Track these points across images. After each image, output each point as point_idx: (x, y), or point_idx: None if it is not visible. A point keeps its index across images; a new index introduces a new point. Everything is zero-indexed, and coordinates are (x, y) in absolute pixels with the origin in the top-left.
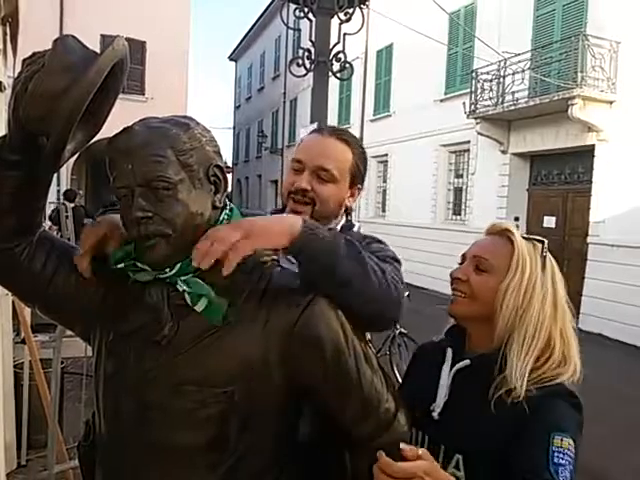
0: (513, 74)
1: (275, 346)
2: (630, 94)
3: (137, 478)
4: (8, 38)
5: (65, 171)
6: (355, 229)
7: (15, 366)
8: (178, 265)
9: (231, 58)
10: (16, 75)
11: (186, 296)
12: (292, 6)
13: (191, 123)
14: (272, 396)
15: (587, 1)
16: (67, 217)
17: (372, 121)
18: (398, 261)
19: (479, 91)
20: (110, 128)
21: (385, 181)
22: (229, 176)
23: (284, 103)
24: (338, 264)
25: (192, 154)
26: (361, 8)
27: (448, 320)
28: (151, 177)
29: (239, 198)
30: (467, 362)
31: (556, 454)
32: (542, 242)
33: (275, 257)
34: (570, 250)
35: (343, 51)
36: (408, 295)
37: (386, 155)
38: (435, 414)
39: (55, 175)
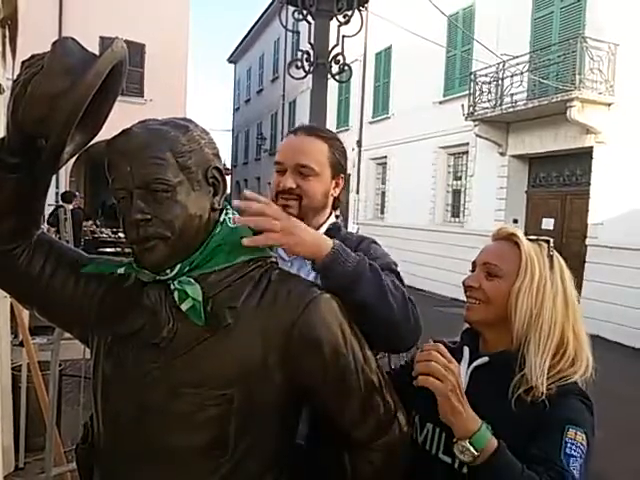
0: (512, 76)
1: (274, 347)
2: (628, 96)
3: None
4: (7, 40)
5: (64, 173)
6: (353, 231)
7: (13, 368)
8: (178, 266)
9: (230, 60)
10: (15, 77)
11: (175, 293)
12: (291, 8)
13: (190, 125)
14: (271, 397)
15: (585, 3)
16: (66, 219)
17: (371, 123)
18: (397, 265)
19: (478, 93)
20: (109, 130)
21: (384, 183)
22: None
23: (283, 105)
24: (357, 290)
25: (191, 156)
26: (360, 10)
27: (447, 322)
28: (150, 179)
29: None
30: (486, 359)
31: (569, 445)
32: (547, 242)
33: (274, 259)
34: (568, 252)
35: (342, 53)
36: None
37: (385, 157)
38: None
39: (54, 177)
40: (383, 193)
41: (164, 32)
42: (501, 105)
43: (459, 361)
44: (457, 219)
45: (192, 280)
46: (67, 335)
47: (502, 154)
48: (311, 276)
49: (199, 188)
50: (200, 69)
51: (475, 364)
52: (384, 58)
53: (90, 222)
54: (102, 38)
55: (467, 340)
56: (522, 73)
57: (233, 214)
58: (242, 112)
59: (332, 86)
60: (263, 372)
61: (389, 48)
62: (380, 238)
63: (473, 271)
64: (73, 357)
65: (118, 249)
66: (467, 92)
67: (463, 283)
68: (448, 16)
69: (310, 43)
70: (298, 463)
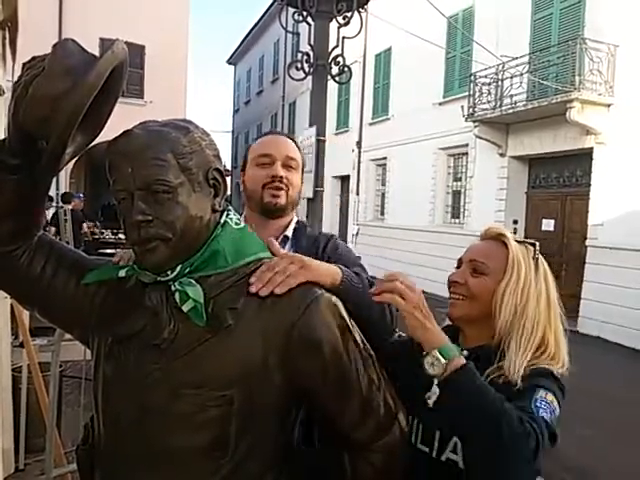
0: (511, 77)
1: (275, 348)
2: (628, 97)
3: None
4: (7, 42)
5: (64, 174)
6: (354, 232)
7: (13, 370)
8: (178, 267)
9: (230, 62)
10: (16, 79)
11: (176, 295)
12: (291, 10)
13: (190, 127)
14: (272, 398)
15: (584, 4)
16: (66, 220)
17: (371, 124)
18: (360, 258)
19: (477, 94)
20: (110, 131)
21: (384, 184)
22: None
23: (283, 106)
24: (363, 307)
25: (192, 157)
26: (360, 12)
27: (445, 321)
28: (151, 180)
29: (238, 201)
30: (465, 353)
31: (539, 401)
32: (534, 245)
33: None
34: (569, 253)
35: (342, 55)
36: None
37: (385, 158)
38: (430, 402)
39: (54, 178)
40: (383, 194)
41: (164, 34)
42: (501, 106)
43: None
44: (457, 220)
45: (193, 281)
46: (68, 336)
47: (502, 155)
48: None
49: (200, 189)
50: (200, 70)
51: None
52: (384, 59)
53: (91, 223)
54: (102, 40)
55: (447, 336)
56: (522, 74)
57: (234, 216)
58: (242, 113)
59: (332, 87)
60: (263, 373)
61: (389, 49)
62: (380, 239)
63: (458, 268)
64: (73, 358)
65: (119, 250)
66: (467, 93)
67: (449, 279)
68: (448, 17)
69: (310, 44)
70: (298, 464)
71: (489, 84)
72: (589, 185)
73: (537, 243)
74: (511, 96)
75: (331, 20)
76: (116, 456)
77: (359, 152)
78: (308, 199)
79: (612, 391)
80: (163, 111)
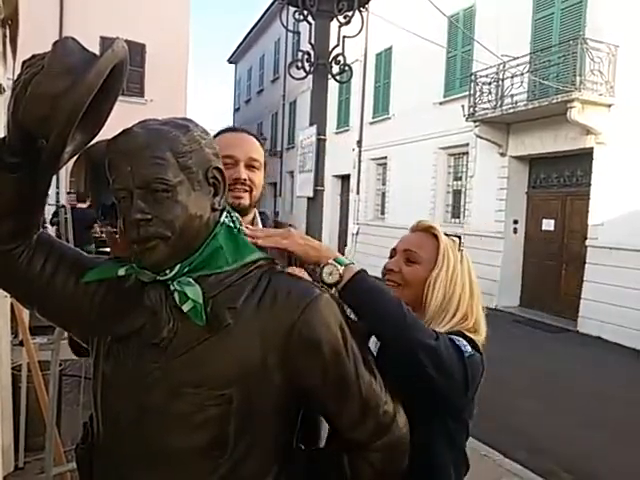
0: (512, 77)
1: (274, 348)
2: (628, 97)
3: None
4: (8, 40)
5: (64, 173)
6: (354, 231)
7: (13, 368)
8: (177, 267)
9: (230, 61)
10: (16, 77)
11: (175, 295)
12: (291, 9)
13: (190, 125)
14: (271, 398)
15: (585, 4)
16: (66, 219)
17: (371, 124)
18: None
19: (478, 94)
20: (109, 130)
21: (384, 184)
22: None
23: (283, 105)
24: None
25: (191, 156)
26: (360, 11)
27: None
28: (150, 179)
29: None
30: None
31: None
32: (459, 238)
33: (275, 260)
34: (569, 253)
35: (342, 54)
36: None
37: (385, 158)
38: None
39: (54, 177)
40: (383, 194)
41: (164, 32)
42: (501, 106)
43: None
44: (457, 220)
45: (192, 281)
46: (67, 335)
47: (502, 155)
48: None
49: (199, 188)
50: (200, 69)
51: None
52: (384, 59)
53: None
54: (103, 38)
55: None
56: (522, 74)
57: (233, 215)
58: (242, 112)
59: (332, 86)
60: (262, 372)
61: (389, 49)
62: (380, 239)
63: (392, 257)
64: (73, 357)
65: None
66: (467, 93)
67: (384, 267)
68: (448, 17)
69: (311, 43)
70: (297, 463)
71: (490, 84)
72: (589, 185)
73: (461, 236)
74: (512, 96)
75: (332, 19)
76: (115, 455)
77: (359, 151)
78: (308, 198)
79: (612, 391)
80: (163, 110)
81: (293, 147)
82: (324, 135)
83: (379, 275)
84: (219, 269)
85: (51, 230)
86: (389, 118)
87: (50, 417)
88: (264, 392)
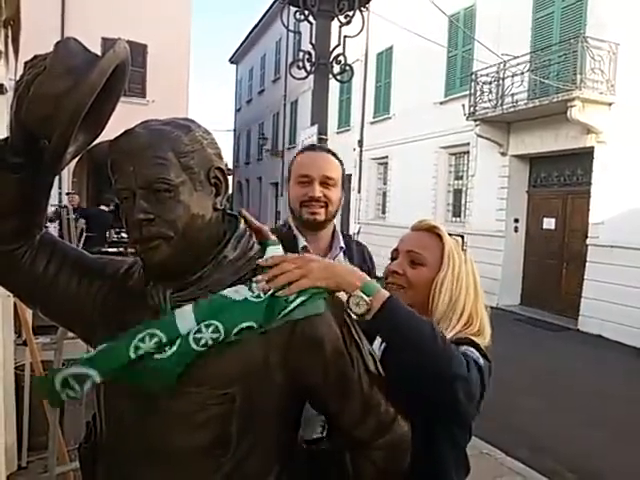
0: (512, 76)
1: (276, 347)
2: (629, 96)
3: None
4: (10, 41)
5: (67, 173)
6: (355, 231)
7: (16, 368)
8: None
9: (232, 61)
10: (18, 78)
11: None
12: (292, 9)
13: (192, 125)
14: (273, 397)
15: (586, 3)
16: (69, 220)
17: (372, 123)
18: None
19: (478, 93)
20: (112, 131)
21: (385, 183)
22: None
23: (284, 105)
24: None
25: (193, 156)
26: (361, 11)
27: None
28: (152, 179)
29: (240, 200)
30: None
31: (463, 350)
32: (462, 237)
33: None
34: (570, 252)
35: (343, 54)
36: None
37: (386, 157)
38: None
39: (56, 177)
40: (384, 193)
41: (166, 33)
42: (502, 105)
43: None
44: (458, 219)
45: (216, 325)
46: (70, 334)
47: (503, 154)
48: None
49: (201, 188)
50: (202, 69)
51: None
52: (385, 58)
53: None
54: (104, 39)
55: None
56: (523, 73)
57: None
58: (244, 112)
59: (333, 86)
60: (264, 371)
61: (390, 48)
62: (381, 238)
63: (394, 258)
64: (76, 356)
65: (121, 249)
66: (468, 92)
67: (387, 269)
68: (449, 16)
69: (311, 43)
70: (300, 462)
71: (490, 83)
72: (590, 184)
73: (465, 236)
74: (512, 95)
75: (333, 19)
76: (118, 454)
77: (360, 151)
78: None
79: (613, 389)
80: (165, 110)
81: (294, 147)
82: (325, 135)
83: (379, 274)
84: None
85: (53, 230)
86: (390, 118)
87: (53, 416)
88: (266, 391)
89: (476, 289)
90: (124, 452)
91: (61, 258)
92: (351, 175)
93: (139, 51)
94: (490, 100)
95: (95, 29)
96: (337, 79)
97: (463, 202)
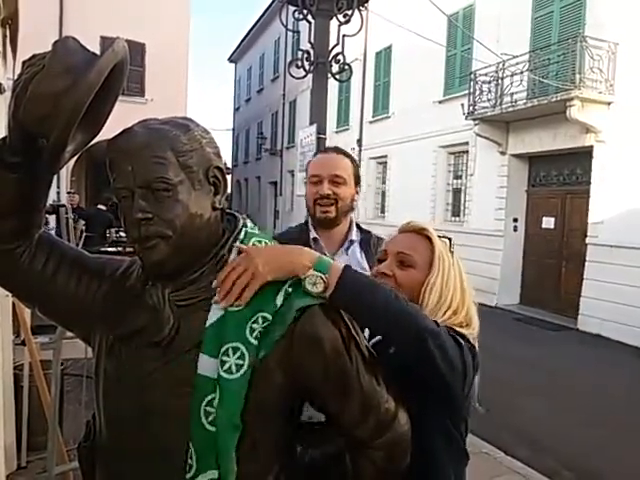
0: (511, 76)
1: (276, 346)
2: (628, 95)
3: None
4: (8, 40)
5: (65, 172)
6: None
7: (15, 368)
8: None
9: (231, 60)
10: (16, 77)
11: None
12: (291, 8)
13: (191, 124)
14: (272, 396)
15: (585, 2)
16: (67, 219)
17: (371, 122)
18: None
19: (478, 93)
20: (110, 130)
21: (384, 182)
22: (228, 177)
23: (283, 105)
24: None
25: (192, 155)
26: (360, 10)
27: None
28: (151, 178)
29: (238, 199)
30: (380, 337)
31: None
32: (449, 239)
33: None
34: (569, 251)
35: (342, 53)
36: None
37: (385, 156)
38: None
39: (55, 177)
40: (383, 192)
41: (165, 32)
42: (501, 104)
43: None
44: (457, 218)
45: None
46: (69, 334)
47: (502, 153)
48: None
49: (200, 187)
50: (201, 68)
51: (372, 342)
52: (384, 57)
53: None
54: (103, 38)
55: None
56: (522, 72)
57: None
58: (243, 111)
59: (332, 85)
60: (264, 371)
61: (389, 47)
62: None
63: (382, 260)
64: (75, 356)
65: (119, 248)
66: (467, 91)
67: (376, 270)
68: (448, 15)
69: (310, 42)
70: (299, 461)
71: (489, 82)
72: (589, 183)
73: (452, 237)
74: (511, 94)
75: (331, 18)
76: (117, 454)
77: (359, 150)
78: None
79: (613, 389)
80: (164, 109)
81: (293, 146)
82: (324, 134)
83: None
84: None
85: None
86: (389, 117)
87: (52, 416)
88: (265, 390)
89: (462, 287)
90: (123, 452)
91: (59, 257)
92: None
93: (138, 50)
94: (489, 99)
95: (94, 28)
96: (336, 78)
97: (462, 201)
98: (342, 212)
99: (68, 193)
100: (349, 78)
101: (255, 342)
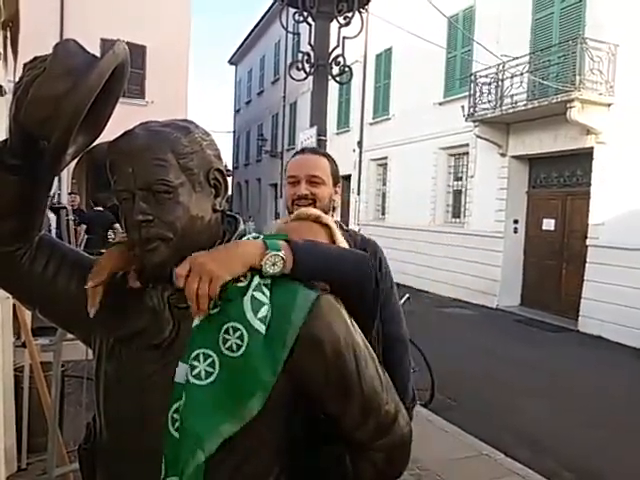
0: (512, 77)
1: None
2: (628, 96)
3: None
4: (9, 42)
5: (66, 174)
6: (355, 229)
7: (15, 369)
8: None
9: (231, 62)
10: (17, 79)
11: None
12: (291, 10)
13: (191, 127)
14: (273, 397)
15: (585, 4)
16: (67, 221)
17: (371, 124)
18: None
19: (478, 94)
20: (111, 132)
21: (385, 184)
22: (229, 179)
23: (284, 107)
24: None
25: (192, 158)
26: (360, 12)
27: (449, 322)
28: (152, 181)
29: (239, 201)
30: None
31: None
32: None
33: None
34: (569, 252)
35: (342, 55)
36: (408, 298)
37: (385, 158)
38: None
39: (56, 179)
40: (384, 194)
41: (165, 34)
42: (501, 106)
43: None
44: (458, 220)
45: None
46: (69, 336)
47: (502, 155)
48: None
49: (201, 189)
50: (201, 71)
51: None
52: (384, 59)
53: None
54: (103, 40)
55: None
56: (522, 74)
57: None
58: (243, 114)
59: (332, 87)
60: None
61: (389, 49)
62: (381, 239)
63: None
64: (75, 358)
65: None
66: (467, 93)
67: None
68: (448, 17)
69: (310, 45)
70: (299, 462)
71: (489, 84)
72: (589, 184)
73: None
74: (511, 96)
75: (332, 20)
76: (118, 455)
77: (360, 152)
78: None
79: (613, 390)
80: (164, 111)
81: (294, 148)
82: (324, 136)
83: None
84: None
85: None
86: (389, 119)
87: (52, 418)
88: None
89: None
90: (124, 453)
91: (60, 259)
92: (350, 176)
93: (138, 52)
94: (489, 101)
95: (94, 30)
96: (336, 80)
97: (463, 203)
98: (322, 211)
99: (69, 194)
100: (349, 80)
101: (229, 353)
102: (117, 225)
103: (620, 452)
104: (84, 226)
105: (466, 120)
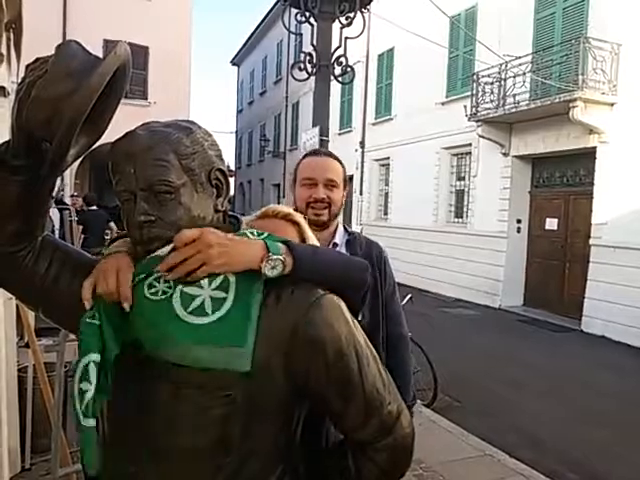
0: (514, 77)
1: (278, 347)
2: (631, 96)
3: None
4: (12, 44)
5: (69, 175)
6: (357, 230)
7: (19, 370)
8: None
9: (233, 62)
10: (20, 81)
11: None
12: (293, 10)
13: (193, 127)
14: (275, 397)
15: (588, 3)
16: (71, 221)
17: (374, 124)
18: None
19: (480, 94)
20: (113, 133)
21: (387, 184)
22: (231, 180)
23: (286, 107)
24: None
25: (194, 158)
26: (362, 12)
27: (452, 322)
28: (154, 181)
29: (242, 201)
30: None
31: None
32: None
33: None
34: (572, 252)
35: (344, 55)
36: (411, 298)
37: (388, 158)
38: None
39: (59, 179)
40: (386, 194)
41: (167, 35)
42: (504, 106)
43: None
44: (460, 220)
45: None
46: (73, 336)
47: (505, 155)
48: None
49: (202, 190)
50: (203, 71)
51: None
52: (387, 59)
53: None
54: (106, 41)
55: None
56: (525, 73)
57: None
58: (245, 114)
59: (335, 87)
60: (266, 372)
61: (391, 49)
62: (384, 239)
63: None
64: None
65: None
66: (470, 93)
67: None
68: (450, 17)
69: (313, 45)
70: (301, 463)
71: (492, 83)
72: (592, 184)
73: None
74: (514, 95)
75: (334, 21)
76: (120, 456)
77: (362, 152)
78: None
79: (617, 390)
80: (166, 112)
81: (296, 148)
82: (327, 136)
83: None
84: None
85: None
86: (391, 119)
87: (56, 418)
88: (268, 392)
89: None
90: (127, 454)
91: (62, 260)
92: (353, 176)
93: (141, 53)
94: (492, 101)
95: (96, 32)
96: (338, 80)
97: (465, 203)
98: (333, 215)
99: (71, 196)
100: (352, 80)
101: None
102: (112, 224)
103: (624, 453)
104: (80, 226)
105: (468, 120)
